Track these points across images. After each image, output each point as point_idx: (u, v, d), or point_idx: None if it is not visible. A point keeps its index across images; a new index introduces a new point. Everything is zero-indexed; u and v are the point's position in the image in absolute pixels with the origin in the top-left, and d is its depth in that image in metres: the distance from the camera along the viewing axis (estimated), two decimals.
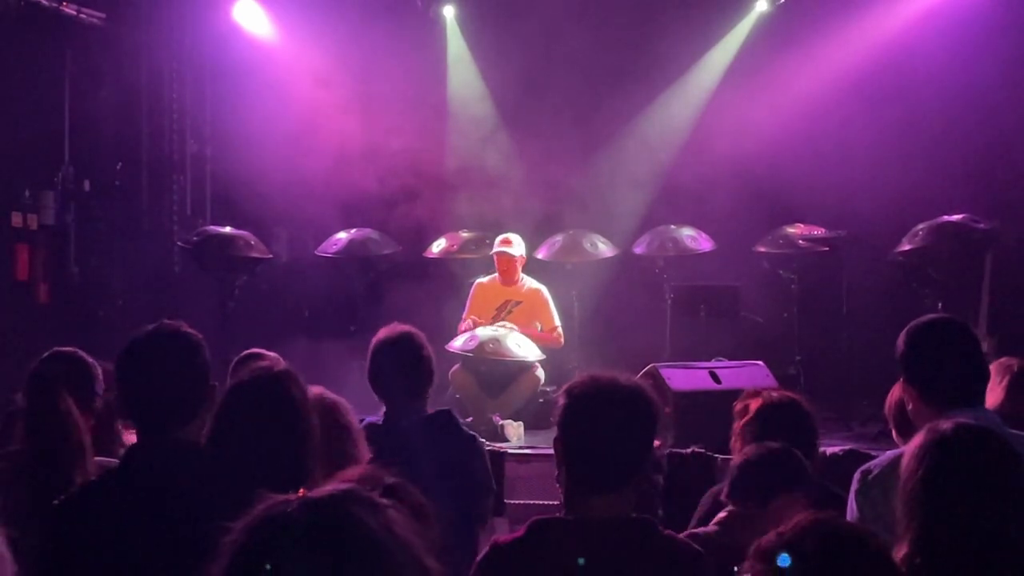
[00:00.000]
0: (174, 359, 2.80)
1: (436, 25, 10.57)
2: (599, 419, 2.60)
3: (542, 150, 9.80)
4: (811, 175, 9.03)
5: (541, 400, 8.05)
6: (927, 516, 2.34)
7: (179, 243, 9.84)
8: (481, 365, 8.05)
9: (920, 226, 8.25)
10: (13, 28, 8.73)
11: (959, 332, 3.28)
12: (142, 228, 10.22)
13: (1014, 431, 3.06)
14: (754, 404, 3.72)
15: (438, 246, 9.60)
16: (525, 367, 8.13)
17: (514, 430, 7.73)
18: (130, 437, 3.53)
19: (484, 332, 8.14)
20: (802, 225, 9.16)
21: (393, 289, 9.59)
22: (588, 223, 9.63)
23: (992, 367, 3.86)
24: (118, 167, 10.04)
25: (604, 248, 9.40)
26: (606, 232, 9.55)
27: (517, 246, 8.55)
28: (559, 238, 9.45)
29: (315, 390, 3.62)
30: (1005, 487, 2.35)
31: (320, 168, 9.53)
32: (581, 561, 2.47)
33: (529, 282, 8.63)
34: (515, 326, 8.31)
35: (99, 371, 3.99)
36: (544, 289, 8.62)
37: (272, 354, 4.54)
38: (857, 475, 3.20)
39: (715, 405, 5.55)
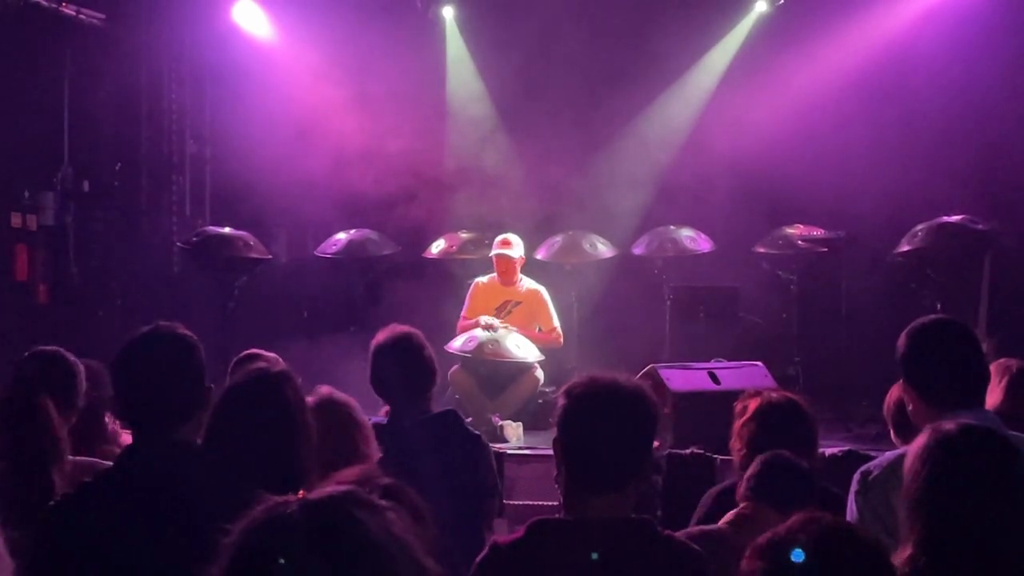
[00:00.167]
0: (170, 360, 2.80)
1: (435, 26, 10.56)
2: (599, 420, 2.59)
3: (541, 150, 9.79)
4: (810, 175, 9.02)
5: (540, 401, 8.06)
6: (931, 517, 2.34)
7: (178, 243, 9.83)
8: (480, 366, 8.05)
9: (919, 227, 8.25)
10: (13, 28, 8.73)
11: (959, 333, 3.28)
12: (141, 229, 10.23)
13: (1014, 432, 3.06)
14: (753, 405, 3.72)
15: (437, 247, 9.59)
16: (524, 368, 8.13)
17: (513, 431, 7.72)
18: (129, 437, 3.54)
19: (483, 333, 8.14)
20: (801, 226, 9.15)
21: (392, 290, 9.60)
22: (587, 224, 9.62)
23: (992, 368, 3.86)
24: (117, 168, 10.03)
25: (603, 249, 9.39)
26: (605, 233, 9.54)
27: (516, 247, 8.53)
28: (558, 239, 9.44)
29: (324, 390, 3.64)
30: (1009, 488, 2.34)
31: (319, 169, 9.53)
32: (595, 556, 2.46)
33: (528, 283, 8.62)
34: (514, 327, 8.31)
35: (82, 370, 3.99)
36: (543, 290, 8.61)
37: (271, 355, 4.55)
38: (856, 476, 3.20)
39: (714, 406, 5.56)
